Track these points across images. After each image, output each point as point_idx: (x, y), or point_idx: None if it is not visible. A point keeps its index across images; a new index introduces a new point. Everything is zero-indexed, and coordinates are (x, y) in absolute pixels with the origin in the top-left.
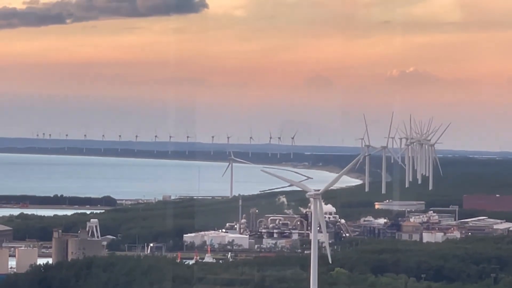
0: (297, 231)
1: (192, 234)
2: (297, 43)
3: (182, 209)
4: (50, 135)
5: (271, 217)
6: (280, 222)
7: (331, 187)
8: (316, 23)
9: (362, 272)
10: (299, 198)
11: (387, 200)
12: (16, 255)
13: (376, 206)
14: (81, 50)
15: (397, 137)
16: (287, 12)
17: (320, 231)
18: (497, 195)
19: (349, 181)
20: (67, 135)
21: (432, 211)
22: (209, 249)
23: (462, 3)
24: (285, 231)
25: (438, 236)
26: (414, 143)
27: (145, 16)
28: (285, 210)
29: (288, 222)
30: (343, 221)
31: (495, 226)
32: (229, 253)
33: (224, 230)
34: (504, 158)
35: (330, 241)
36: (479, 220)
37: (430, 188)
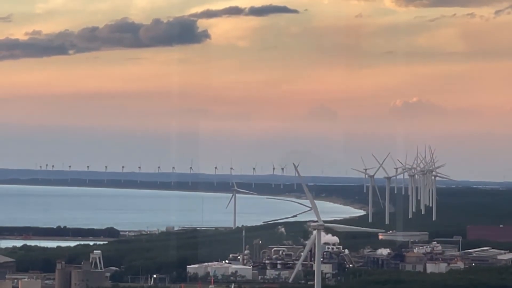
0: (302, 262)
1: (196, 265)
2: (301, 73)
3: (185, 240)
4: (53, 166)
5: (275, 248)
6: (284, 253)
7: (335, 218)
8: (319, 53)
9: None
10: (300, 229)
11: (391, 231)
12: (20, 287)
13: (380, 237)
14: (84, 81)
15: (400, 167)
16: (290, 42)
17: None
18: (500, 226)
19: (353, 211)
20: (70, 166)
21: (435, 242)
22: (212, 280)
23: (465, 33)
24: (289, 262)
25: (442, 267)
26: (417, 174)
27: (148, 46)
28: (284, 241)
29: (292, 253)
30: (346, 251)
31: (498, 257)
32: (233, 284)
33: (227, 261)
34: (507, 188)
35: (334, 272)
36: (482, 250)
37: (434, 218)
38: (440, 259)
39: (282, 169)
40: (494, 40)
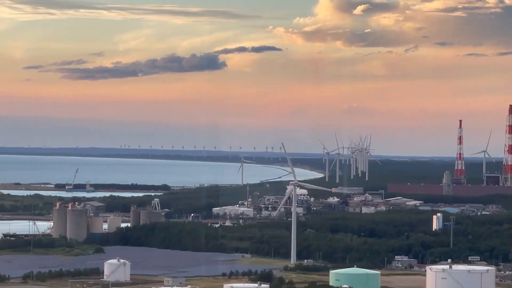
0: (284, 206)
1: (218, 208)
2: (284, 88)
3: (211, 192)
4: (129, 146)
5: (267, 197)
6: (273, 200)
7: (303, 179)
8: (295, 75)
9: (324, 232)
10: (281, 186)
11: (339, 187)
12: (108, 221)
13: (333, 190)
14: (149, 93)
15: (346, 147)
16: (277, 69)
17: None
18: (408, 184)
19: (316, 175)
20: (150, 146)
21: (367, 194)
22: (228, 218)
23: (386, 63)
24: (276, 206)
25: (371, 209)
26: (356, 151)
27: (188, 71)
28: (269, 194)
29: (278, 200)
30: (312, 199)
31: (407, 203)
32: (240, 220)
33: (237, 206)
34: (415, 161)
35: (304, 212)
36: (397, 199)
37: (367, 179)
38: (370, 204)
39: (272, 148)
40: (404, 68)
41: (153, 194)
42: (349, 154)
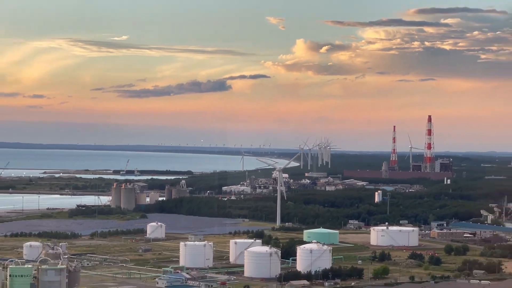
0: (271, 185)
1: (226, 187)
2: (272, 104)
3: (221, 175)
4: (163, 143)
5: (260, 179)
6: (264, 181)
7: (285, 167)
8: (280, 95)
9: (300, 203)
10: (269, 172)
11: (310, 172)
12: (149, 196)
13: (306, 174)
14: (178, 107)
15: (313, 143)
16: (267, 91)
17: (281, 186)
18: (358, 170)
19: (293, 164)
20: (187, 144)
21: (330, 177)
22: (233, 194)
23: (343, 87)
24: (267, 186)
25: (332, 188)
26: (322, 147)
27: (205, 92)
28: (261, 177)
29: (267, 181)
30: (291, 181)
31: (357, 183)
32: (241, 195)
33: (239, 185)
34: (374, 154)
35: (286, 190)
36: (350, 181)
37: (329, 167)
38: (332, 184)
39: (263, 145)
40: (355, 90)
41: (180, 177)
42: (317, 150)
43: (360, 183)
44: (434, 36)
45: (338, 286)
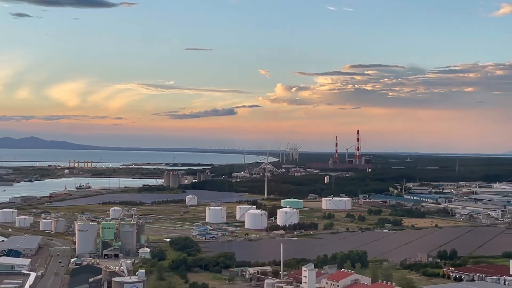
0: (262, 172)
1: (234, 174)
2: (260, 122)
3: (231, 167)
4: (196, 147)
5: (255, 169)
6: (257, 170)
7: (269, 161)
8: (263, 120)
9: (279, 183)
10: (260, 164)
11: (285, 164)
12: (187, 179)
13: (282, 166)
14: (204, 125)
15: (287, 147)
16: (257, 116)
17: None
18: (314, 163)
19: (274, 159)
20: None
21: (297, 167)
22: (238, 178)
23: (306, 113)
24: (259, 172)
25: (299, 174)
26: (292, 149)
27: (221, 115)
28: (255, 168)
29: (259, 170)
30: (274, 169)
31: (314, 171)
32: (243, 178)
33: (242, 172)
34: (325, 153)
35: (270, 175)
36: (310, 170)
37: (297, 161)
38: (299, 172)
39: (257, 148)
40: (314, 114)
41: (206, 168)
42: (289, 151)
43: (315, 171)
44: (361, 81)
45: (302, 234)
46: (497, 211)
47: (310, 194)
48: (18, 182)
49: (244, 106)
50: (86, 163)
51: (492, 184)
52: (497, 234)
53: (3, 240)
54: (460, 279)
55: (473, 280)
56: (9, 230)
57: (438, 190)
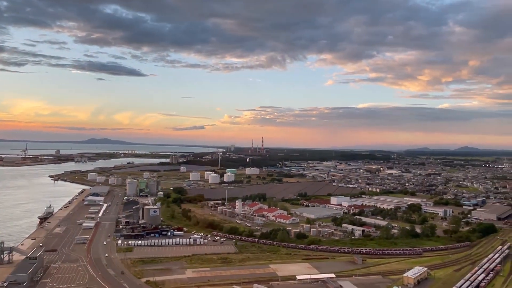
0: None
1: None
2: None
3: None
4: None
5: (213, 155)
6: (214, 155)
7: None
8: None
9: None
10: (216, 153)
11: (228, 153)
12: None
13: (227, 153)
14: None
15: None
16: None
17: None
18: (244, 152)
19: (222, 150)
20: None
21: (234, 154)
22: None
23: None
24: (216, 157)
25: (234, 157)
26: (231, 146)
27: (197, 129)
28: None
29: (215, 155)
30: (222, 155)
31: (243, 156)
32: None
33: (209, 156)
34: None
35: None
36: (241, 155)
37: (234, 151)
38: (234, 156)
39: (215, 145)
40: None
41: (190, 154)
42: (230, 146)
43: (242, 156)
44: (264, 113)
45: (237, 186)
46: (324, 175)
47: (240, 166)
48: (97, 160)
49: (208, 125)
50: (131, 151)
51: (322, 161)
52: (324, 186)
53: (90, 188)
54: (307, 206)
55: (313, 206)
56: (94, 183)
57: (297, 165)
